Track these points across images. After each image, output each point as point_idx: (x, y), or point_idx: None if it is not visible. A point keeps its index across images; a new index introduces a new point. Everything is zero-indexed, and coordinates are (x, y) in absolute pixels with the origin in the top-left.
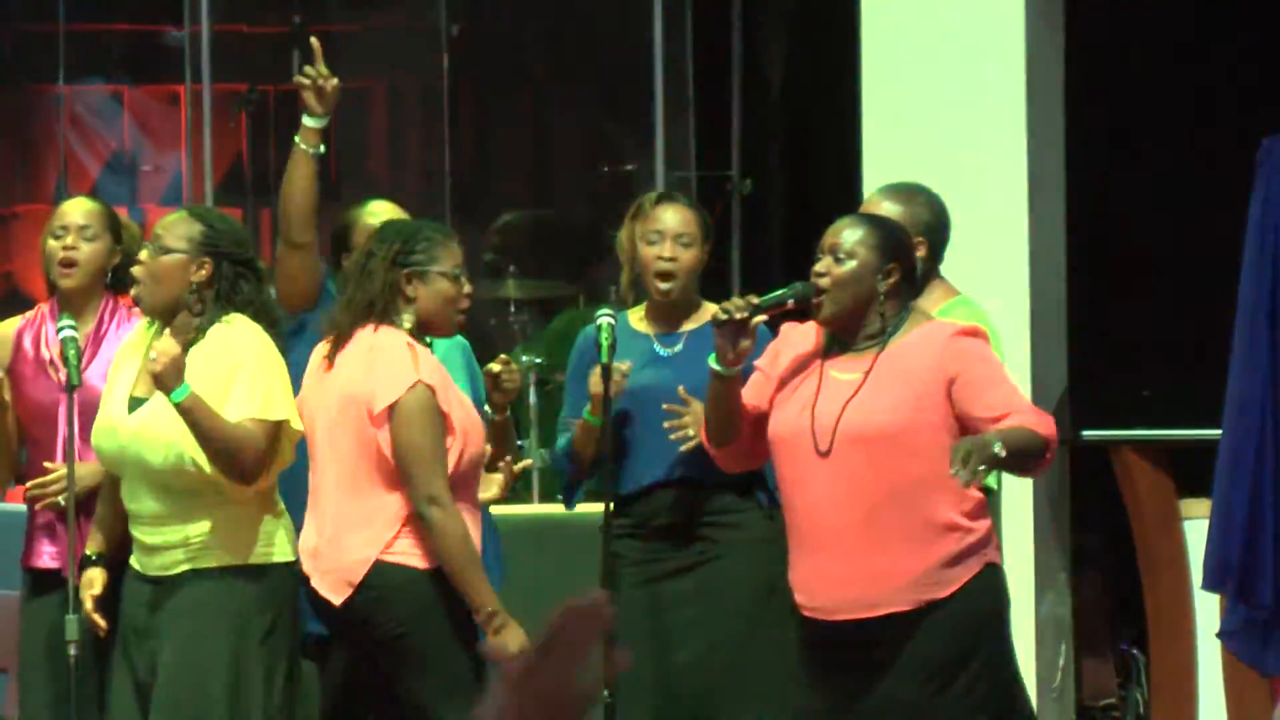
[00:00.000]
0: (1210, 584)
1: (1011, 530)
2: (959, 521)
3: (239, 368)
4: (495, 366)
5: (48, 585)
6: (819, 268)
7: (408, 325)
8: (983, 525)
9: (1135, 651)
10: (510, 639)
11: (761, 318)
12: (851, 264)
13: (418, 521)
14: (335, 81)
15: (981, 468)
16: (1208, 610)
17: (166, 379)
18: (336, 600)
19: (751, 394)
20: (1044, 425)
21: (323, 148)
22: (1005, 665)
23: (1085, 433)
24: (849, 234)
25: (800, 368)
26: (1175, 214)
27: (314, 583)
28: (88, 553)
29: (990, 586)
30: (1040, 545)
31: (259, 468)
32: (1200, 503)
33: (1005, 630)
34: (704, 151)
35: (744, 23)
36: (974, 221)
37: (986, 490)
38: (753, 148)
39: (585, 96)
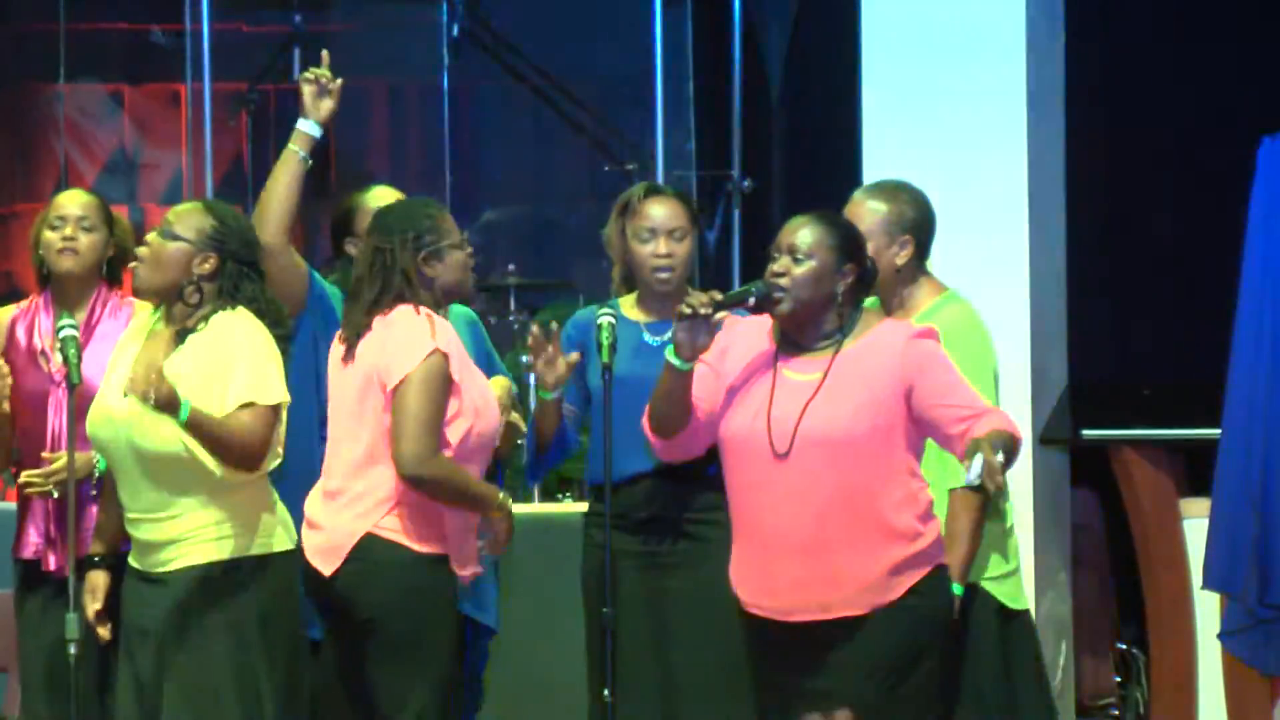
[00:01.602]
0: (1211, 584)
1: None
2: (914, 526)
3: (237, 355)
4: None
5: (40, 578)
6: (776, 267)
7: (435, 302)
8: (934, 529)
9: (1135, 651)
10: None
11: (724, 314)
12: (811, 264)
13: (414, 501)
14: (339, 82)
15: (997, 475)
16: (1208, 610)
17: (166, 408)
18: (326, 571)
19: (698, 387)
20: (1011, 424)
21: (310, 161)
22: (945, 667)
23: (1085, 433)
24: (806, 234)
25: (751, 367)
26: (1175, 214)
27: (307, 554)
28: (91, 554)
29: (940, 587)
30: (1040, 545)
31: (264, 452)
32: (1200, 502)
33: (949, 631)
34: (704, 151)
35: (744, 23)
36: (974, 221)
37: (984, 486)
38: (753, 148)
39: (585, 96)
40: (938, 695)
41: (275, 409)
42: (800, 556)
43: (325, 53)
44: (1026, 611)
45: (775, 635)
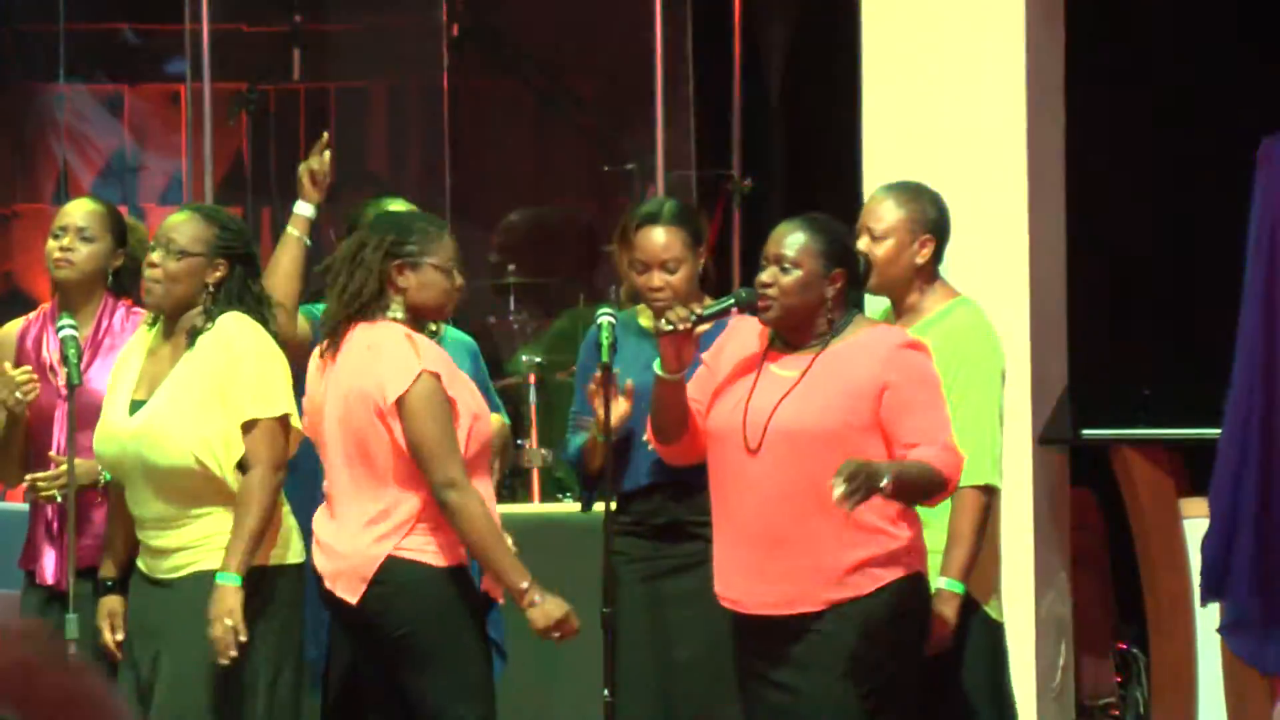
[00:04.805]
0: (1208, 596)
1: (1011, 530)
2: (882, 526)
3: (240, 364)
4: None
5: (47, 586)
6: (764, 277)
7: (398, 315)
8: (907, 533)
9: (1135, 651)
10: (551, 608)
11: (705, 326)
12: (797, 273)
13: (431, 518)
14: (329, 179)
15: (857, 495)
16: (1208, 610)
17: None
18: (352, 599)
19: (695, 388)
20: (948, 465)
21: (309, 243)
22: (912, 675)
23: (1085, 432)
24: (792, 241)
25: (742, 364)
26: (1175, 214)
27: (327, 583)
28: (102, 578)
29: (911, 594)
30: (1040, 545)
31: (282, 463)
32: (1200, 502)
33: (920, 641)
34: (704, 151)
35: (744, 23)
36: (974, 221)
37: (991, 488)
38: (753, 148)
39: (585, 96)
40: (909, 703)
41: (283, 419)
42: (765, 549)
43: (326, 137)
44: (1003, 624)
45: (746, 627)
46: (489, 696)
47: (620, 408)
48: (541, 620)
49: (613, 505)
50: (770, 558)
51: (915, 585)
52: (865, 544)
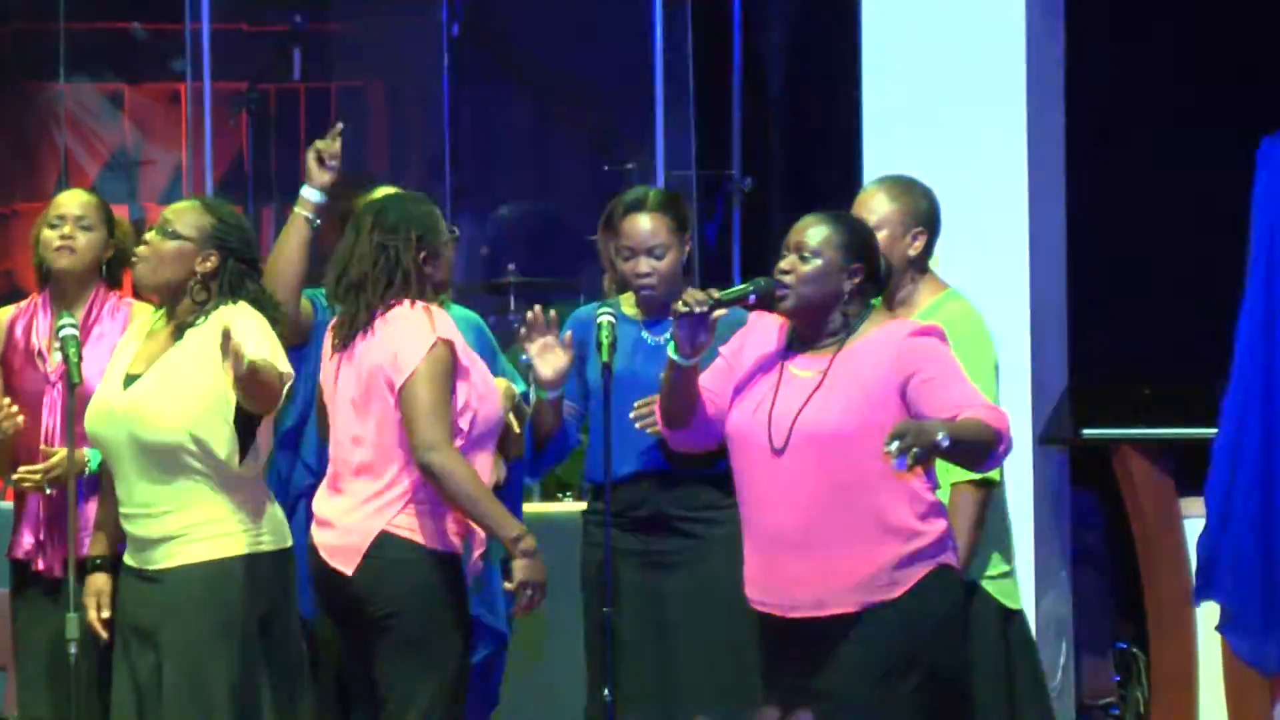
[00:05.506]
0: (1202, 594)
1: (1012, 530)
2: (912, 524)
3: (243, 335)
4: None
5: (33, 578)
6: (784, 265)
7: (429, 298)
8: (936, 528)
9: (1135, 651)
10: (540, 565)
11: (721, 312)
12: (817, 262)
13: (428, 499)
14: (338, 148)
15: (916, 450)
16: (1208, 610)
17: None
18: (348, 569)
19: (713, 380)
20: (997, 419)
21: (318, 223)
22: (957, 668)
23: (1085, 432)
24: (815, 232)
25: (761, 363)
26: (1175, 214)
27: (324, 555)
28: (91, 555)
29: (942, 588)
30: (1040, 545)
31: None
32: (1200, 502)
33: (956, 632)
34: (704, 151)
35: (744, 23)
36: (974, 221)
37: (988, 483)
38: (753, 147)
39: (585, 96)
40: (941, 697)
41: (283, 377)
42: (796, 552)
43: (339, 125)
44: (1022, 611)
45: (777, 630)
46: (459, 683)
47: (559, 359)
48: (524, 572)
49: (590, 501)
50: (802, 560)
51: (947, 577)
52: (896, 542)
